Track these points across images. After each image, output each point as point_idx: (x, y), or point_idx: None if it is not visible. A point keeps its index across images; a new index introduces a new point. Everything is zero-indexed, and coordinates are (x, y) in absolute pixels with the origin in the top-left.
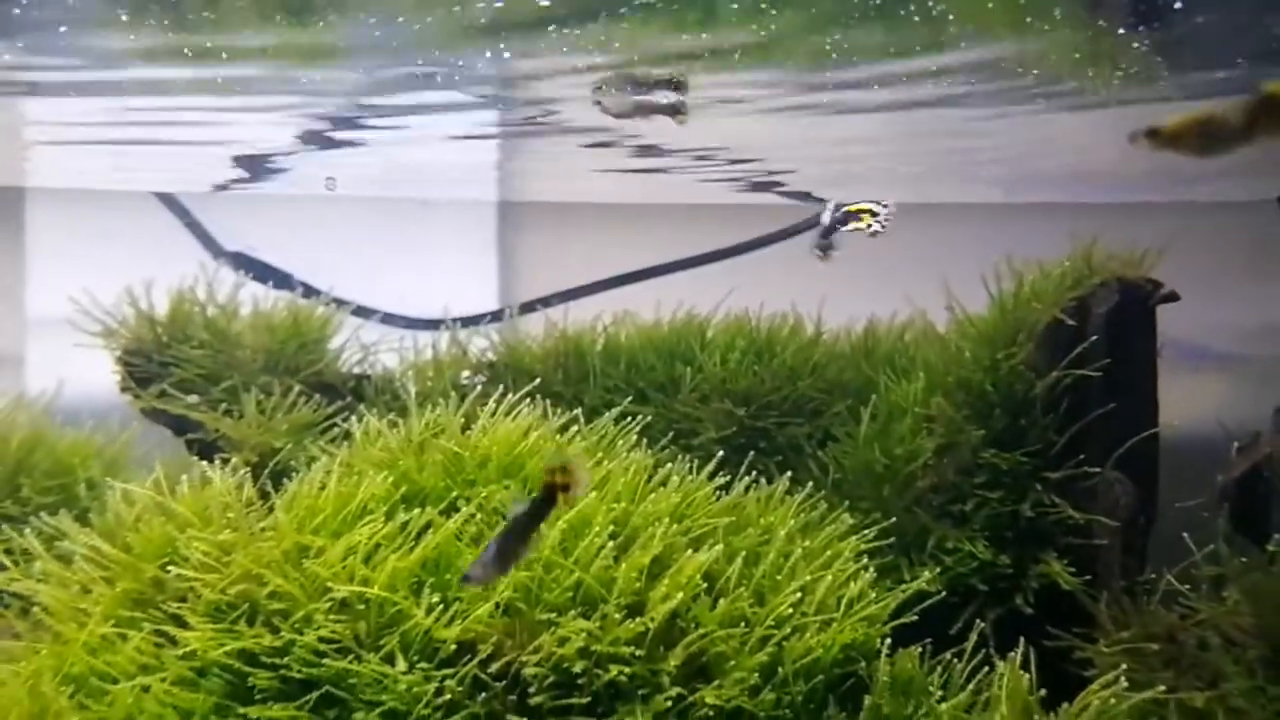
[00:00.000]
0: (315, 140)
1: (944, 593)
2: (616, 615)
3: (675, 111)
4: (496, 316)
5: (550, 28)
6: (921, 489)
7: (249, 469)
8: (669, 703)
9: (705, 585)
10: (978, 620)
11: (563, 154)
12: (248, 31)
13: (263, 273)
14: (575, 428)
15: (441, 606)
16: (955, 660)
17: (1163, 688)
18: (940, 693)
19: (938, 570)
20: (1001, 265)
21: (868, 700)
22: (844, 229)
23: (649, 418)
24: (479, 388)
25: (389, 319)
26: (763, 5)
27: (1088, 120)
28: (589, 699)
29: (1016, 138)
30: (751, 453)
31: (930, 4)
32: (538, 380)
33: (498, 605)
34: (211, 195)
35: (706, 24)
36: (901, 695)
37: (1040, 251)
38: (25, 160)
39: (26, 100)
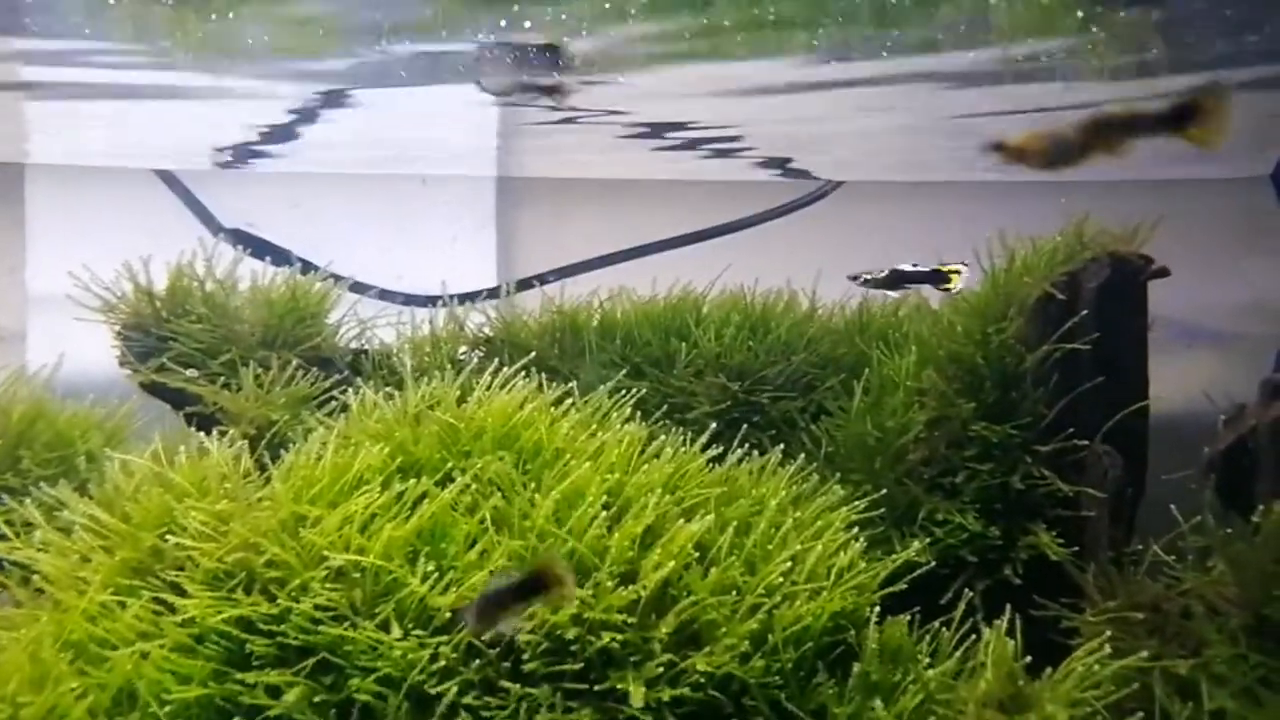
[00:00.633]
0: (312, 117)
1: (934, 563)
2: (609, 583)
3: (555, 91)
4: (493, 293)
5: None
6: (913, 461)
7: (247, 441)
8: (660, 669)
9: (697, 554)
10: (967, 590)
11: (561, 129)
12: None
13: (261, 249)
14: (570, 400)
15: (437, 575)
16: (944, 629)
17: (1145, 654)
18: (928, 660)
19: (928, 541)
20: (994, 240)
21: (856, 667)
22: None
23: (643, 391)
24: (476, 362)
25: (386, 294)
26: None
27: (1080, 94)
28: (581, 665)
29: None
30: (745, 426)
31: None
32: (533, 355)
33: (492, 574)
34: (210, 172)
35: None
36: (890, 663)
37: (1035, 228)
38: (25, 136)
39: (26, 73)
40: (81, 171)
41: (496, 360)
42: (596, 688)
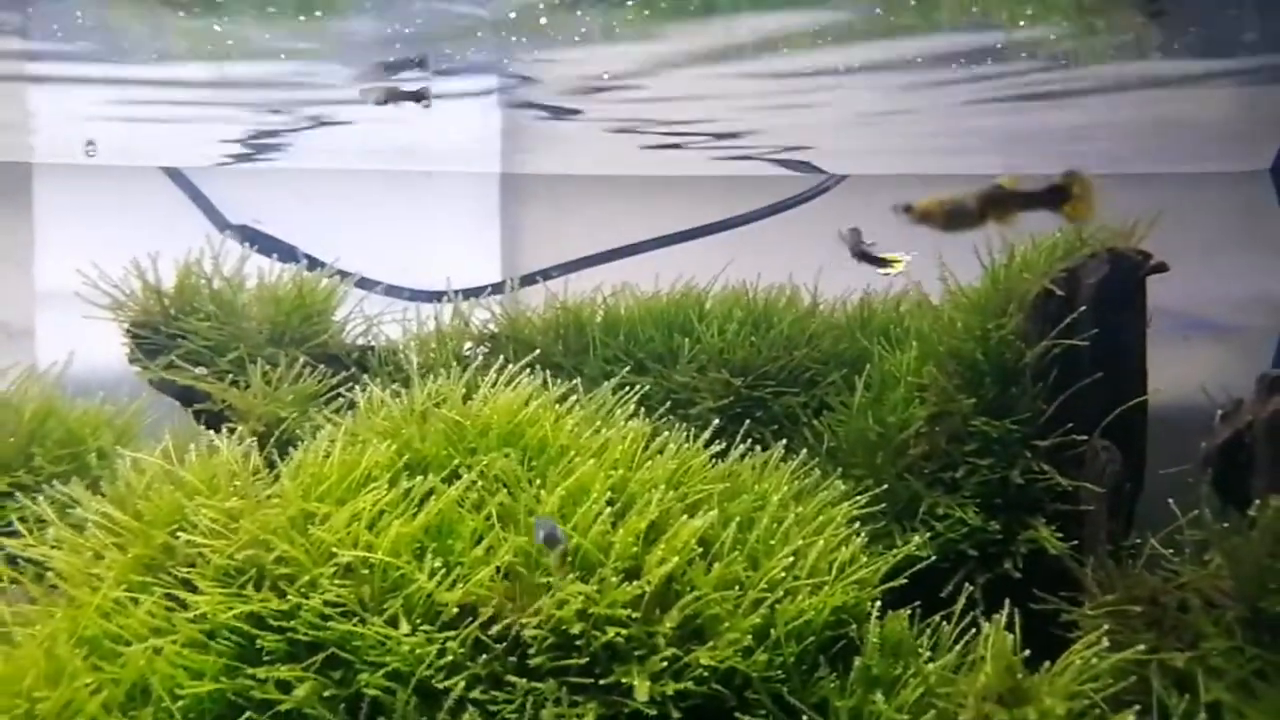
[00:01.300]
0: (318, 114)
1: (935, 557)
2: (614, 579)
3: (420, 98)
4: (498, 288)
5: None
6: (914, 456)
7: (256, 438)
8: (664, 663)
9: (700, 550)
10: (967, 584)
11: (565, 126)
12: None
13: (268, 246)
14: (574, 397)
15: (444, 571)
16: (945, 623)
17: (1143, 647)
18: (929, 654)
19: (929, 536)
20: (995, 236)
21: (858, 661)
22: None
23: (647, 388)
24: (481, 359)
25: (392, 291)
26: None
27: (1084, 92)
28: (587, 660)
29: (1017, 114)
30: (748, 421)
31: None
32: (538, 351)
33: (498, 569)
34: (217, 170)
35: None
36: (891, 656)
37: (1036, 224)
38: (32, 135)
39: (33, 71)
40: (89, 169)
41: (501, 357)
42: (601, 682)
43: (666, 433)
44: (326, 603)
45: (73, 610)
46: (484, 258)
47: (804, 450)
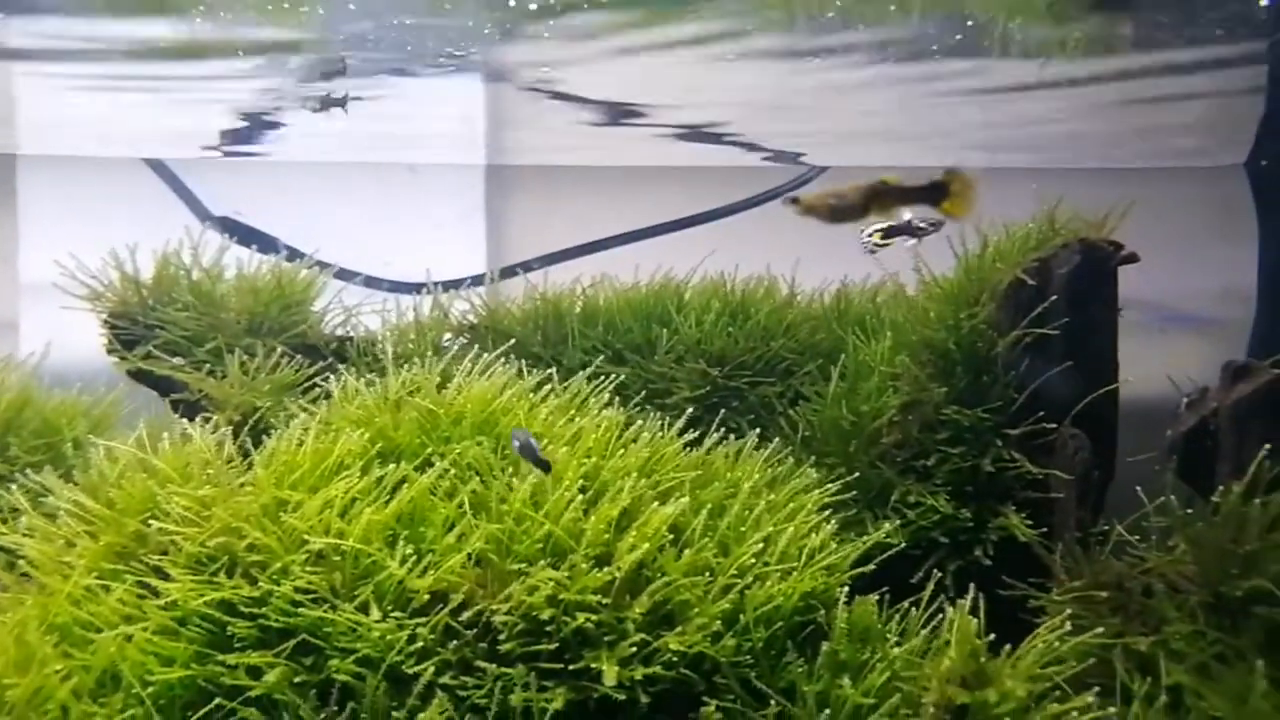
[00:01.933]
0: (303, 104)
1: (906, 544)
2: (584, 565)
3: (343, 103)
4: (478, 280)
5: None
6: (886, 445)
7: (231, 428)
8: (634, 649)
9: (671, 536)
10: (937, 571)
11: (549, 118)
12: None
13: (248, 237)
14: (549, 387)
15: (415, 558)
16: (913, 609)
17: (1101, 630)
18: (896, 639)
19: (901, 523)
20: (966, 228)
21: (825, 646)
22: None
23: (623, 377)
24: (458, 349)
25: (372, 282)
26: None
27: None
28: (557, 645)
29: (992, 106)
30: (724, 411)
31: None
32: (515, 342)
33: (470, 556)
34: (199, 161)
35: None
36: (858, 642)
37: (1012, 214)
38: (15, 126)
39: (15, 65)
40: (73, 161)
41: (480, 348)
42: (571, 667)
43: (640, 422)
44: (298, 589)
45: (43, 598)
46: (468, 249)
47: (779, 439)
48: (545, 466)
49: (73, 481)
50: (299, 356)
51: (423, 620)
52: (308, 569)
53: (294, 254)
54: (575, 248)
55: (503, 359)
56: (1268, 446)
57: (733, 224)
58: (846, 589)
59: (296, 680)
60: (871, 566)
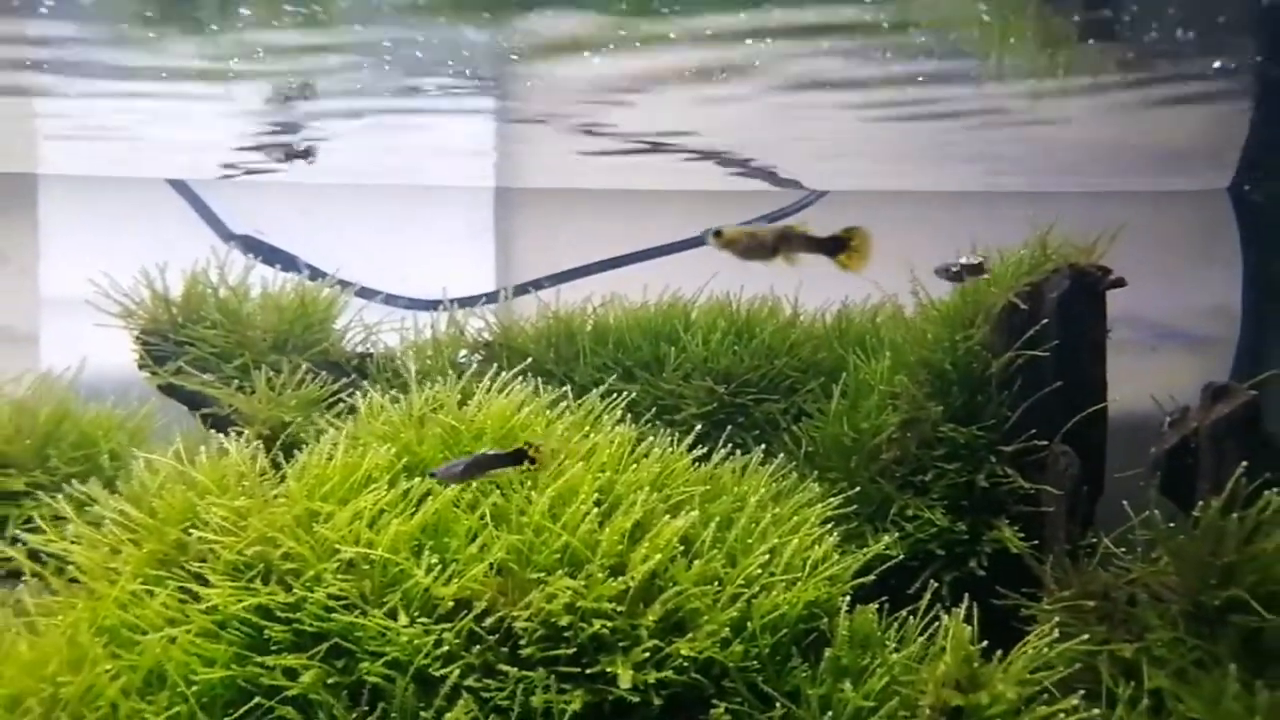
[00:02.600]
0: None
1: (905, 556)
2: (600, 575)
3: (307, 155)
4: (492, 298)
5: None
6: (885, 461)
7: (261, 441)
8: (647, 654)
9: (682, 548)
10: (934, 582)
11: (558, 141)
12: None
13: (270, 255)
14: (564, 404)
15: (440, 567)
16: (911, 617)
17: (1087, 637)
18: (895, 646)
19: (899, 536)
20: (965, 251)
21: (828, 652)
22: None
23: (633, 394)
24: (476, 366)
25: (390, 300)
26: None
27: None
28: (574, 650)
29: (988, 133)
30: (730, 427)
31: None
32: (530, 359)
33: (491, 565)
34: (218, 182)
35: None
36: (859, 648)
37: (1006, 238)
38: (38, 147)
39: (38, 82)
40: (93, 180)
41: (495, 365)
42: (588, 671)
43: (652, 437)
44: (330, 596)
45: (93, 602)
46: (478, 268)
47: (783, 454)
48: (518, 458)
49: (115, 492)
50: (323, 373)
51: (448, 626)
52: (339, 577)
53: (315, 273)
54: (585, 266)
55: (519, 377)
56: (1244, 464)
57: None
58: (848, 598)
59: (330, 681)
60: (872, 577)
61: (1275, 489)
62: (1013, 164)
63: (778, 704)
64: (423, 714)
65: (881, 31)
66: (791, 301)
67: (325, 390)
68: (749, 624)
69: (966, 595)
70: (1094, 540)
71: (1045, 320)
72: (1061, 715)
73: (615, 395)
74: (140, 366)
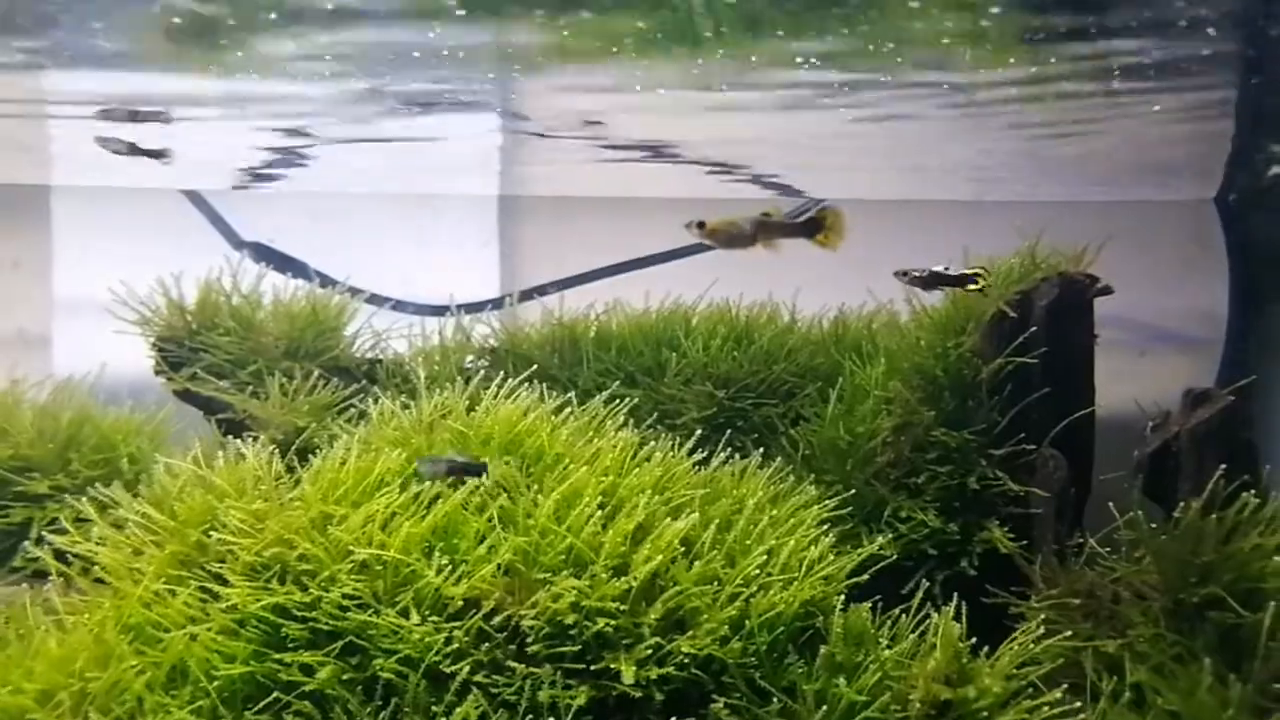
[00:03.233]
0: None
1: (899, 557)
2: (604, 575)
3: (159, 155)
4: (498, 304)
5: None
6: (880, 464)
7: (276, 446)
8: (649, 651)
9: (683, 549)
10: (927, 581)
11: (562, 149)
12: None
13: (281, 263)
14: (569, 409)
15: (450, 567)
16: (904, 615)
17: (1070, 634)
18: (888, 643)
19: (893, 536)
20: (956, 260)
21: (823, 649)
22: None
23: (635, 399)
24: (482, 371)
25: (399, 306)
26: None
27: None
28: (579, 647)
29: (984, 143)
30: (729, 431)
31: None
32: (535, 365)
33: (499, 566)
34: (229, 192)
35: None
36: (854, 645)
37: (998, 246)
38: (50, 158)
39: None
40: (102, 191)
41: (501, 370)
42: (593, 667)
43: (653, 442)
44: (345, 595)
45: (118, 600)
46: (484, 275)
47: (781, 458)
48: (476, 470)
49: (135, 495)
50: (334, 379)
51: (458, 624)
52: (353, 577)
53: (325, 280)
54: (589, 273)
55: (525, 382)
56: (1223, 466)
57: (737, 253)
58: (843, 597)
59: (345, 678)
60: (866, 577)
61: (1252, 491)
62: (1001, 174)
63: (775, 699)
64: (434, 709)
65: (873, 42)
66: (789, 308)
67: (337, 396)
68: (747, 622)
69: (957, 594)
70: (1081, 540)
71: (1034, 328)
72: (1046, 709)
73: (618, 400)
74: (156, 372)
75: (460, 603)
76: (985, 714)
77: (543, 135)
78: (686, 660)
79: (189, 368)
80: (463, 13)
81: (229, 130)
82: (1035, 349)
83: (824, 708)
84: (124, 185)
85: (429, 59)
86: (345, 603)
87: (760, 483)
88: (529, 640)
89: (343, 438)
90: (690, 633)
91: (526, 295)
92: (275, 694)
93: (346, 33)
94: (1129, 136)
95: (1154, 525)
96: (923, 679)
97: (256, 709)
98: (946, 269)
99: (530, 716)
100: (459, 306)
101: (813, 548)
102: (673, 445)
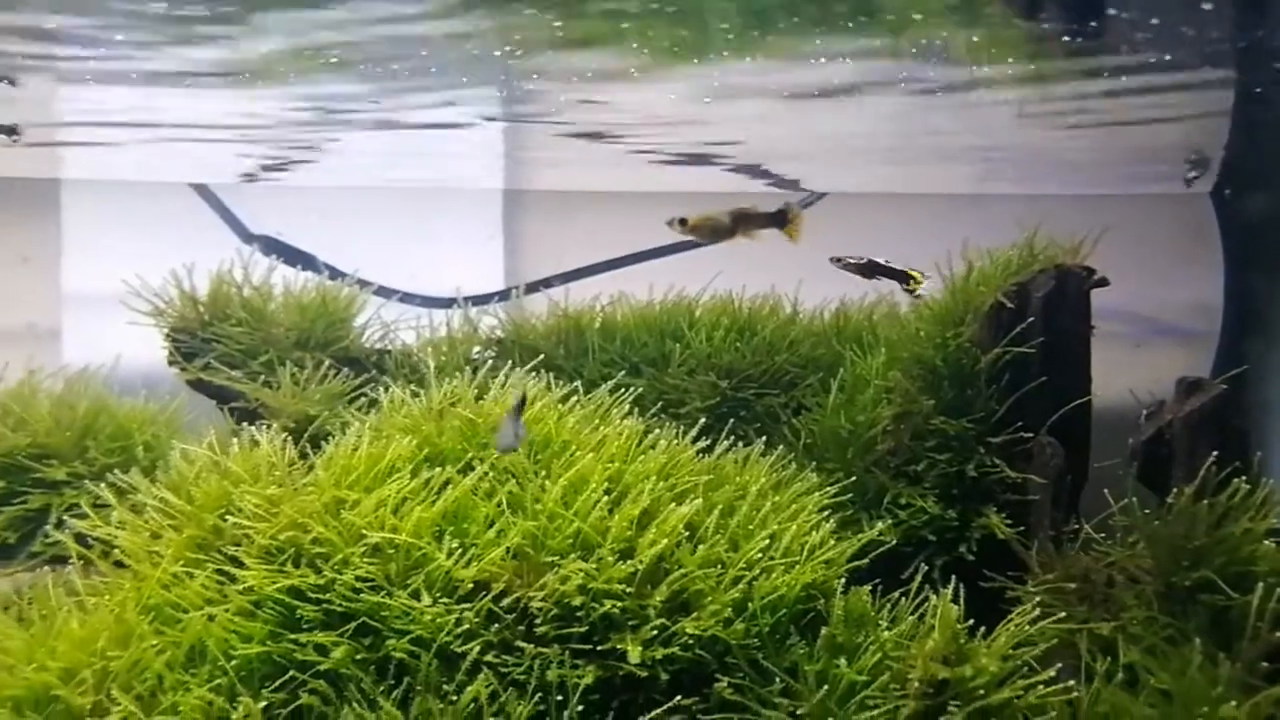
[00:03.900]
0: (334, 133)
1: (898, 542)
2: (610, 558)
3: (11, 132)
4: (504, 297)
5: None
6: (880, 452)
7: (288, 434)
8: (655, 632)
9: (687, 533)
10: (925, 566)
11: (565, 143)
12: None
13: (290, 256)
14: (575, 398)
15: (460, 551)
16: (904, 599)
17: (1064, 615)
18: (887, 625)
19: (893, 523)
20: (956, 252)
21: (824, 631)
22: (899, 283)
23: (641, 389)
24: (489, 362)
25: (407, 298)
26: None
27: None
28: (586, 629)
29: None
30: (732, 420)
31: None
32: (541, 355)
33: (508, 549)
34: (237, 185)
35: None
36: (854, 627)
37: (996, 239)
38: (60, 153)
39: (60, 90)
40: (112, 185)
41: (508, 360)
42: (599, 648)
43: (658, 430)
44: (358, 578)
45: (137, 582)
46: (489, 267)
47: (782, 446)
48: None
49: (153, 481)
50: (344, 369)
51: (468, 606)
52: (366, 560)
53: (334, 273)
54: (594, 265)
55: (532, 373)
56: (1215, 454)
57: (739, 246)
58: (844, 581)
59: (358, 658)
60: (866, 561)
61: (1243, 477)
62: (1009, 168)
63: (777, 679)
64: (445, 688)
65: (876, 35)
66: (791, 300)
67: (347, 385)
68: (750, 604)
69: (954, 577)
70: (1077, 526)
71: (1032, 318)
72: (1040, 687)
73: (623, 390)
74: (170, 363)
75: (470, 585)
76: (982, 692)
77: (547, 129)
78: (691, 641)
79: (201, 358)
80: (468, 4)
81: (236, 123)
82: (1033, 339)
83: (825, 687)
84: (133, 179)
85: (435, 51)
86: (358, 585)
87: (763, 470)
88: (537, 621)
89: (354, 425)
90: (695, 614)
91: (533, 288)
92: (291, 673)
93: (353, 25)
94: (1127, 130)
95: (1148, 511)
96: (921, 659)
97: (273, 687)
98: (887, 261)
99: (539, 695)
100: (466, 298)
101: (814, 533)
102: (677, 433)
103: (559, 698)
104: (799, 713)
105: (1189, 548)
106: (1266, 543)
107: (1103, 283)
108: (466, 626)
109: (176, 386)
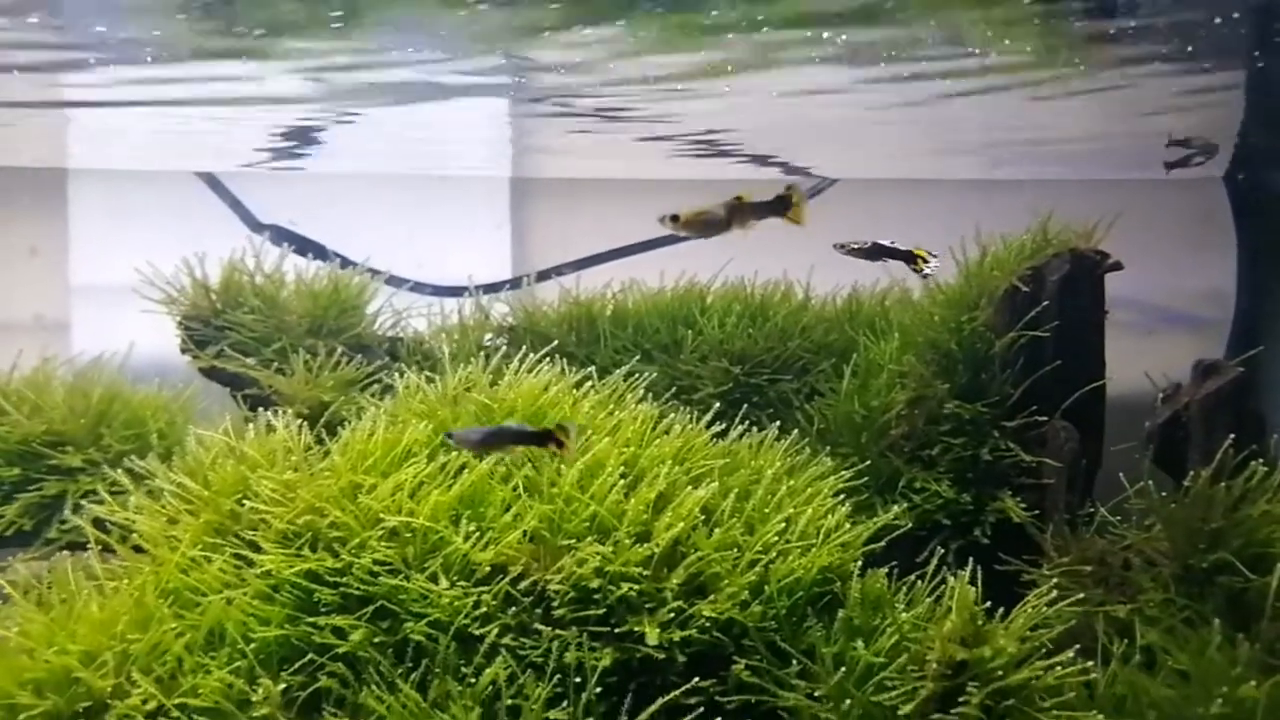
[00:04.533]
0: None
1: (913, 526)
2: (627, 541)
3: None
4: (515, 284)
5: None
6: (894, 436)
7: (302, 420)
8: (671, 615)
9: (703, 517)
10: (940, 549)
11: (574, 132)
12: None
13: (299, 244)
14: (589, 383)
15: (477, 534)
16: (919, 582)
17: (1082, 596)
18: (904, 608)
19: (908, 507)
20: (969, 237)
21: (841, 613)
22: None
23: (654, 375)
24: (502, 349)
25: (418, 286)
26: None
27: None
28: (604, 611)
29: (992, 120)
30: (745, 406)
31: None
32: (554, 342)
33: (525, 533)
34: (248, 174)
35: None
36: (870, 609)
37: (1011, 224)
38: (67, 142)
39: (67, 78)
40: (118, 174)
41: (522, 347)
42: (617, 630)
43: (672, 415)
44: (375, 562)
45: (156, 567)
46: (497, 255)
47: (796, 431)
48: (543, 439)
49: (170, 466)
50: (356, 355)
51: (485, 589)
52: (383, 544)
53: (345, 261)
54: (605, 253)
55: (545, 359)
56: (1232, 436)
57: (752, 234)
58: (859, 564)
59: (376, 640)
60: (881, 545)
61: (1260, 460)
62: (1018, 153)
63: (794, 661)
64: (463, 670)
65: (886, 23)
66: (803, 285)
67: (360, 372)
68: (767, 587)
69: (970, 561)
70: (1092, 510)
71: (1046, 302)
72: (1059, 668)
73: (636, 376)
74: (183, 350)
75: (488, 568)
76: (1000, 674)
77: (555, 117)
78: (708, 624)
79: (214, 345)
80: None
81: (245, 112)
82: (1047, 323)
83: (842, 669)
84: (140, 169)
85: (443, 40)
86: (376, 568)
87: (777, 455)
88: (555, 604)
89: (370, 410)
90: (711, 597)
91: (544, 275)
92: (309, 656)
93: (362, 14)
94: (1140, 115)
95: (1164, 494)
96: (939, 640)
97: (292, 670)
98: (892, 243)
99: (557, 677)
100: (477, 286)
101: (829, 517)
102: (691, 419)
103: (577, 680)
104: (816, 694)
105: (1206, 530)
106: None
107: (1117, 266)
108: (484, 609)
109: (187, 376)
